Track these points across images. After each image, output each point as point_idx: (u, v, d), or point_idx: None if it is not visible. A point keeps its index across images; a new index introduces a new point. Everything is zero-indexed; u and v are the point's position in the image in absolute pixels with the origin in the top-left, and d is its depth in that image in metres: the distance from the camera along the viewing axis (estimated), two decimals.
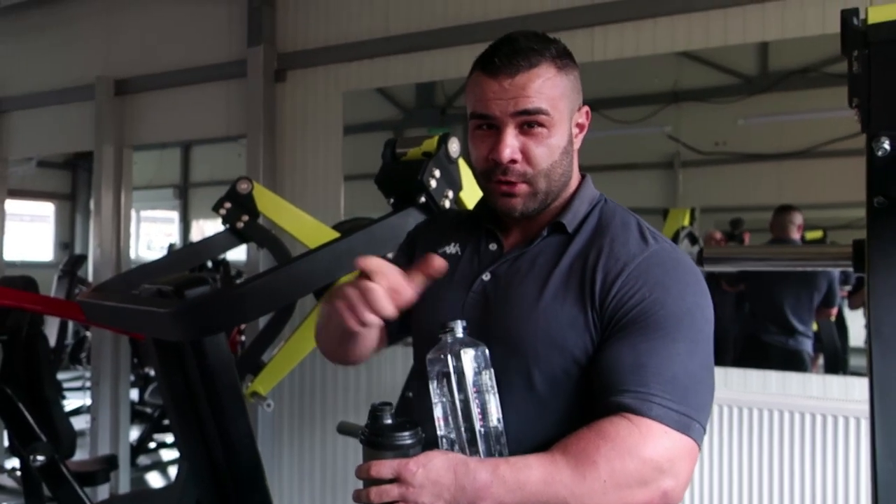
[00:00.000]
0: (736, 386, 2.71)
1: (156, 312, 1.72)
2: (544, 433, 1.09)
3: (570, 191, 1.21)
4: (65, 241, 8.69)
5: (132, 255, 4.56)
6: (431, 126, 3.58)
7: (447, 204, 1.88)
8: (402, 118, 3.73)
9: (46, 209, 8.63)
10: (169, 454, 5.37)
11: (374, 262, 1.06)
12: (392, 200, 1.97)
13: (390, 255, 1.42)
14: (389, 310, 1.04)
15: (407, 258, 1.34)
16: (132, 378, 4.79)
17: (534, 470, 0.99)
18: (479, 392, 1.04)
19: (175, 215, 7.81)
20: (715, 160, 3.03)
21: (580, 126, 1.20)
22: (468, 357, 1.04)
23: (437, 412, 1.05)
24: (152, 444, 5.43)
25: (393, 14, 3.45)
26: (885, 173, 1.02)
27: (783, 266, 1.95)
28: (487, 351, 1.06)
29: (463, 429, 1.04)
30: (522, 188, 1.15)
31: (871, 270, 1.10)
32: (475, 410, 1.04)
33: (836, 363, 2.96)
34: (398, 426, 1.03)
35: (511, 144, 1.12)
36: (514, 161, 1.13)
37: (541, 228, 1.19)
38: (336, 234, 2.46)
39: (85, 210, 8.50)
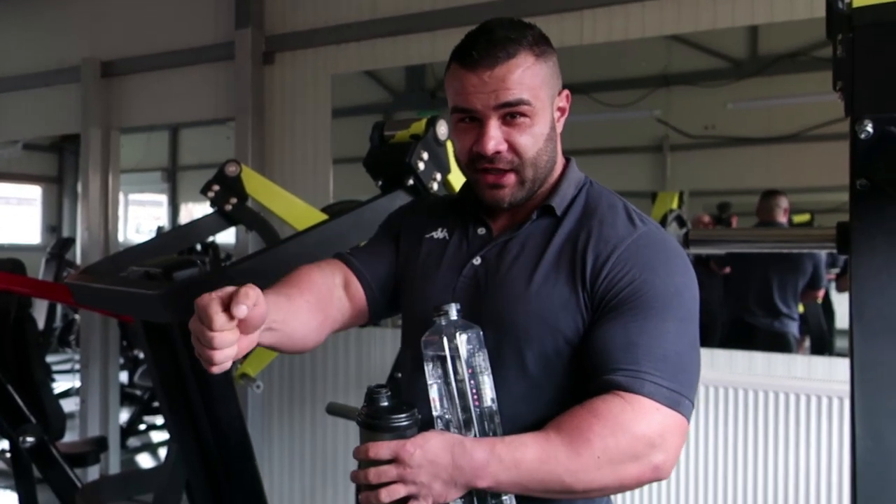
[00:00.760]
0: (722, 367, 2.74)
1: (144, 294, 1.72)
2: (537, 412, 1.10)
3: (555, 174, 1.23)
4: (52, 224, 8.63)
5: (120, 238, 4.54)
6: (421, 109, 3.57)
7: (435, 186, 1.89)
8: (391, 101, 3.72)
9: (33, 192, 8.56)
10: (158, 436, 5.38)
11: (202, 301, 0.96)
12: (380, 183, 1.97)
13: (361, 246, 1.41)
14: (229, 351, 0.96)
15: (390, 241, 1.33)
16: (121, 360, 4.79)
17: (529, 448, 1.01)
18: (474, 373, 1.06)
19: (163, 198, 7.76)
20: (704, 144, 3.04)
21: (561, 110, 1.21)
22: (463, 339, 1.05)
23: (433, 393, 1.06)
24: (142, 426, 5.44)
25: None
26: (868, 156, 1.03)
27: (768, 248, 1.97)
28: (481, 333, 1.07)
29: (458, 409, 1.05)
30: (510, 178, 1.16)
31: (854, 252, 1.11)
32: (470, 391, 1.05)
33: (822, 345, 2.99)
34: (395, 408, 1.04)
35: (494, 136, 1.13)
36: (498, 152, 1.14)
37: (529, 212, 1.20)
38: (325, 217, 2.46)
39: (72, 193, 8.44)
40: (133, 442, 5.25)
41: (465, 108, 1.14)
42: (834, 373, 2.60)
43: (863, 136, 1.01)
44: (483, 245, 1.22)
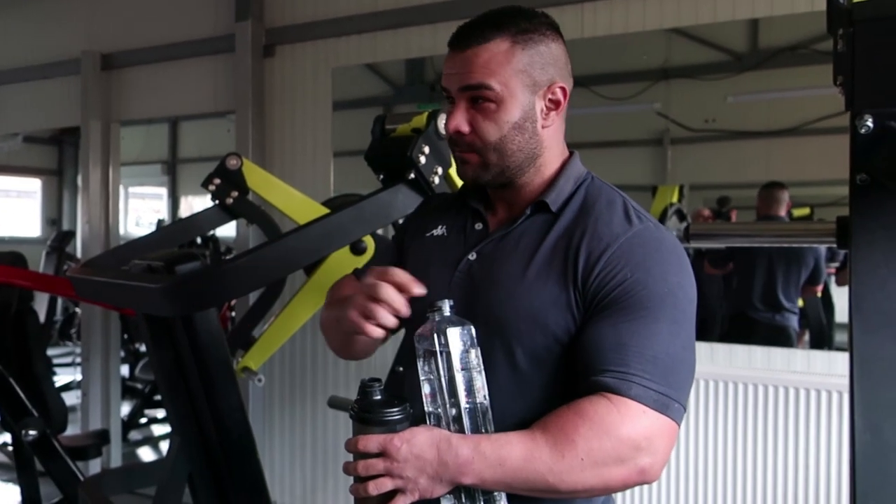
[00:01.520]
0: (721, 361, 2.74)
1: (147, 288, 1.73)
2: (527, 410, 1.10)
3: (551, 168, 1.21)
4: (52, 217, 8.63)
5: (121, 231, 4.54)
6: (421, 102, 3.57)
7: (436, 180, 1.89)
8: (392, 94, 3.72)
9: (33, 185, 8.56)
10: (159, 429, 5.39)
11: (377, 270, 1.11)
12: (381, 177, 1.98)
13: (380, 231, 1.43)
14: (404, 309, 1.08)
15: (397, 252, 1.36)
16: (122, 354, 4.79)
17: (514, 447, 1.01)
18: (466, 370, 1.05)
19: (163, 191, 7.77)
20: (704, 137, 3.03)
21: (554, 103, 1.18)
22: (455, 335, 1.05)
23: (425, 389, 1.06)
24: (143, 420, 5.45)
25: None
26: (868, 151, 1.03)
27: (769, 242, 1.97)
28: (474, 330, 1.07)
29: (449, 406, 1.05)
30: (472, 157, 1.18)
31: (854, 247, 1.12)
32: (461, 388, 1.05)
33: (822, 339, 2.99)
34: (386, 402, 1.05)
35: (457, 118, 1.15)
36: (461, 133, 1.16)
37: (524, 207, 1.20)
38: (326, 211, 2.47)
39: (72, 186, 8.44)
40: (134, 435, 5.26)
41: (443, 86, 1.18)
42: (833, 367, 2.60)
43: (863, 130, 1.01)
44: (479, 240, 1.21)
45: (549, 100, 1.17)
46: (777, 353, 2.71)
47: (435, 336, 1.05)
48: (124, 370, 5.10)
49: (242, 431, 2.09)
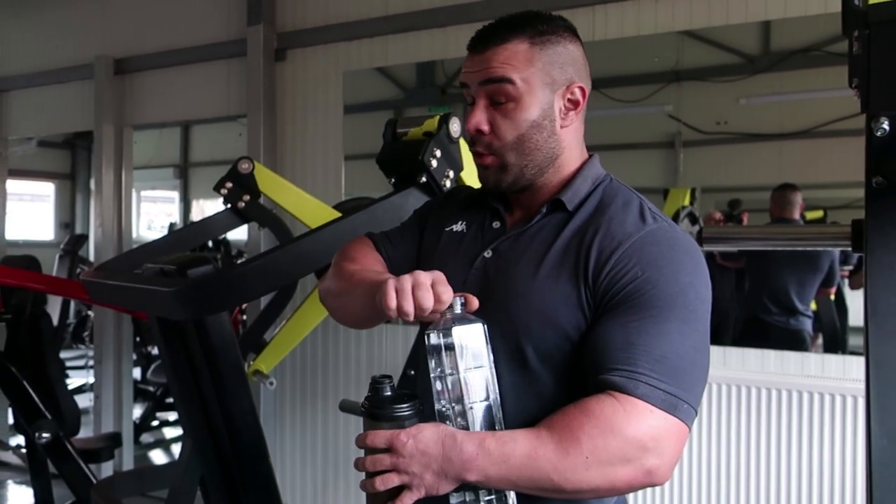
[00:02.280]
0: (734, 365, 2.73)
1: (160, 291, 1.73)
2: (538, 408, 1.10)
3: (569, 169, 1.22)
4: (65, 221, 8.69)
5: (133, 234, 4.56)
6: (432, 106, 3.57)
7: (448, 184, 1.89)
8: (402, 98, 3.72)
9: (47, 189, 8.62)
10: (171, 432, 5.41)
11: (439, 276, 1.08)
12: (393, 180, 1.98)
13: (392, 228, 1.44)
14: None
15: (417, 232, 1.36)
16: (134, 356, 4.82)
17: (519, 444, 1.01)
18: (477, 367, 1.05)
19: (175, 195, 7.80)
20: (716, 140, 3.02)
21: (573, 103, 1.19)
22: (465, 333, 1.05)
23: (436, 387, 1.06)
24: (155, 422, 5.47)
25: None
26: (884, 154, 1.02)
27: (782, 246, 1.96)
28: (485, 326, 1.07)
29: (459, 403, 1.05)
30: (491, 160, 1.19)
31: (869, 250, 1.11)
32: (472, 386, 1.05)
33: (836, 342, 2.97)
34: (397, 398, 1.06)
35: (477, 116, 1.17)
36: (481, 132, 1.17)
37: (541, 206, 1.20)
38: (337, 214, 2.47)
39: (85, 190, 8.49)
40: (146, 438, 5.29)
41: (462, 82, 1.20)
42: (847, 371, 2.58)
43: (879, 133, 1.00)
44: (496, 238, 1.22)
45: (568, 99, 1.19)
46: (791, 357, 2.69)
47: (446, 333, 1.05)
48: (136, 373, 5.12)
49: (254, 434, 2.10)
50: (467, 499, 1.05)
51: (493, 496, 1.05)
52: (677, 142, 3.05)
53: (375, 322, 1.27)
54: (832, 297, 2.99)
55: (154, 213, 8.21)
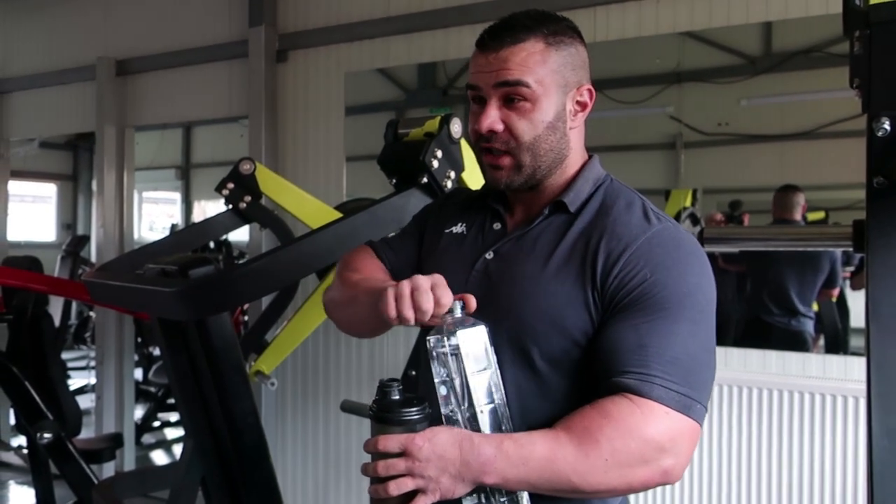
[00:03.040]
0: (736, 365, 2.73)
1: (161, 292, 1.74)
2: (547, 410, 1.10)
3: (572, 170, 1.22)
4: (67, 222, 8.70)
5: (135, 235, 4.57)
6: (433, 107, 3.57)
7: (449, 184, 1.89)
8: (403, 99, 3.72)
9: (48, 190, 8.62)
10: (172, 432, 5.42)
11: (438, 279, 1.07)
12: (394, 181, 1.98)
13: (392, 234, 1.43)
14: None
15: (417, 236, 1.35)
16: (136, 357, 4.82)
17: (538, 446, 1.01)
18: (481, 370, 1.05)
19: (177, 196, 7.81)
20: (717, 141, 3.02)
21: (581, 104, 1.19)
22: (468, 337, 1.05)
23: (441, 391, 1.06)
24: (156, 423, 5.47)
25: None
26: (886, 154, 1.02)
27: (784, 246, 1.96)
28: (487, 329, 1.07)
29: (465, 406, 1.05)
30: (506, 160, 1.17)
31: (871, 251, 1.11)
32: (477, 389, 1.05)
33: (837, 343, 2.97)
34: (406, 402, 1.05)
35: (491, 115, 1.15)
36: (494, 132, 1.15)
37: (542, 207, 1.20)
38: (339, 215, 2.47)
39: (87, 191, 8.50)
40: (148, 438, 5.29)
41: (471, 84, 1.17)
42: (849, 372, 2.58)
43: (880, 133, 1.00)
44: (497, 240, 1.22)
45: (577, 101, 1.19)
46: (792, 358, 2.68)
47: (448, 338, 1.04)
48: (138, 374, 5.12)
49: (255, 435, 2.10)
50: (482, 500, 1.04)
51: (505, 497, 1.05)
52: (678, 143, 3.05)
53: (382, 330, 1.27)
54: (834, 298, 2.99)
55: (156, 214, 8.22)
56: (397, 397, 1.05)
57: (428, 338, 1.07)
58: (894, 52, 0.99)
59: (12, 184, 5.21)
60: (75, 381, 5.90)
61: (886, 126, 0.99)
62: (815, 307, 3.01)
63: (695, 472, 2.74)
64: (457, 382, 1.04)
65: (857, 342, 2.85)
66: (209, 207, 7.32)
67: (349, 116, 3.61)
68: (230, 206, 2.62)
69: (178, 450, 5.07)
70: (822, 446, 2.57)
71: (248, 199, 2.59)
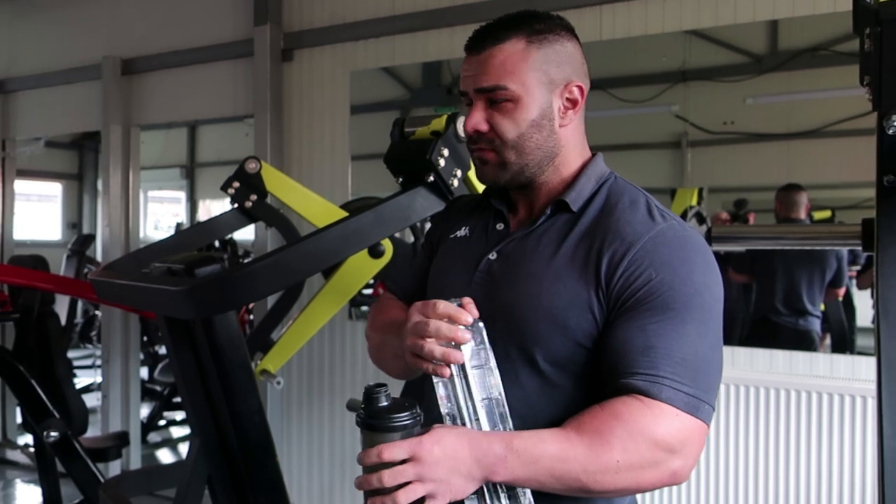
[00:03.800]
0: (742, 365, 2.72)
1: (168, 291, 1.73)
2: (553, 411, 1.10)
3: (570, 168, 1.21)
4: (72, 221, 8.70)
5: (140, 234, 4.57)
6: (437, 105, 3.57)
7: (456, 183, 1.88)
8: (408, 98, 3.72)
9: (54, 189, 8.63)
10: (178, 431, 5.43)
11: (421, 305, 1.09)
12: (401, 180, 1.97)
13: (397, 235, 1.45)
14: (463, 337, 1.05)
15: (429, 251, 1.37)
16: (142, 356, 4.83)
17: (548, 445, 1.01)
18: (477, 367, 1.05)
19: (182, 195, 7.82)
20: (723, 140, 3.01)
21: (571, 101, 1.19)
22: (465, 335, 1.05)
23: (439, 391, 1.05)
24: (162, 422, 5.48)
25: None
26: None
27: (792, 245, 1.95)
28: (483, 327, 1.07)
29: (464, 405, 1.04)
30: (491, 156, 1.18)
31: (880, 249, 1.10)
32: (475, 386, 1.04)
33: (844, 343, 2.96)
34: (397, 406, 1.01)
35: (476, 117, 1.17)
36: (479, 132, 1.17)
37: (545, 207, 1.20)
38: (344, 214, 2.47)
39: (92, 190, 8.51)
40: (153, 437, 5.30)
41: (461, 90, 1.20)
42: (857, 371, 2.57)
43: (891, 131, 1.00)
44: (500, 240, 1.22)
45: (567, 98, 1.18)
46: (799, 358, 2.68)
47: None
48: (144, 372, 5.13)
49: (261, 433, 2.10)
50: (485, 499, 1.04)
51: (505, 494, 1.04)
52: (684, 142, 3.04)
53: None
54: (840, 297, 2.98)
55: (161, 214, 8.23)
56: (385, 403, 1.01)
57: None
58: None
59: (18, 183, 5.21)
60: (81, 380, 5.91)
61: None
62: (821, 307, 3.01)
63: (701, 471, 2.73)
64: (454, 380, 1.04)
65: (863, 342, 2.84)
66: (214, 206, 7.33)
67: (354, 115, 3.61)
68: (236, 205, 2.62)
69: (183, 448, 5.08)
70: (830, 446, 2.56)
71: (253, 197, 2.59)
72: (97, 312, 5.78)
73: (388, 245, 2.41)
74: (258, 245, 3.79)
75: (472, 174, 1.95)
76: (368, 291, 3.73)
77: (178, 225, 7.49)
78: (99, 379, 4.82)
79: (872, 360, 2.08)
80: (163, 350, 5.22)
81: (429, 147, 1.84)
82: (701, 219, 2.99)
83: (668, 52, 2.98)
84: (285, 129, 3.76)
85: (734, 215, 3.03)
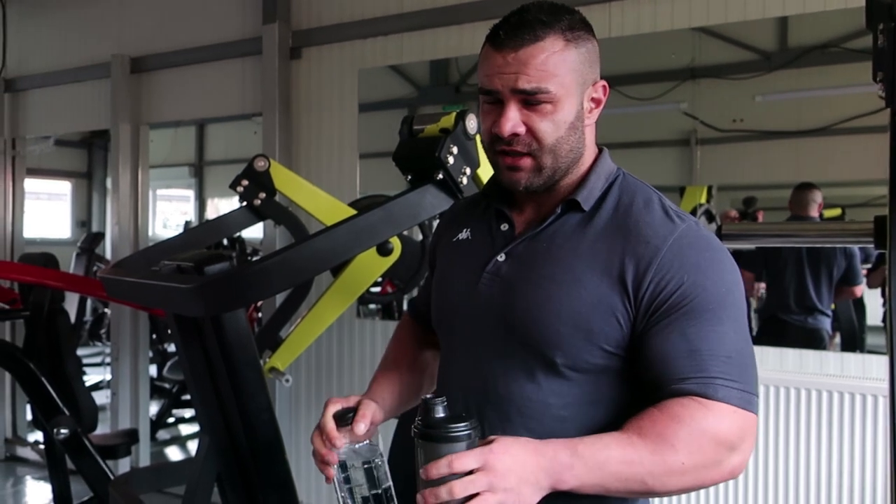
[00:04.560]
0: None
1: (178, 289, 1.74)
2: (580, 413, 1.10)
3: (584, 166, 1.18)
4: (82, 219, 8.74)
5: (149, 232, 4.59)
6: (445, 103, 3.57)
7: (465, 181, 1.87)
8: (416, 95, 3.72)
9: (64, 187, 8.67)
10: (187, 429, 5.44)
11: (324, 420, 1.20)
12: (409, 177, 1.97)
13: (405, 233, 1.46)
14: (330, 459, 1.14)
15: (433, 261, 1.37)
16: (150, 353, 4.85)
17: (613, 450, 1.00)
18: (359, 468, 1.12)
19: (190, 193, 7.83)
20: (732, 137, 3.00)
21: (596, 101, 1.16)
22: (358, 473, 1.12)
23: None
24: (171, 419, 5.50)
25: None
26: None
27: (803, 243, 1.94)
28: (374, 441, 1.15)
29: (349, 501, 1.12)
30: (527, 162, 1.13)
31: (893, 247, 1.09)
32: (355, 485, 1.12)
33: (854, 341, 2.94)
34: (456, 417, 1.00)
35: (512, 118, 1.10)
36: (516, 135, 1.11)
37: (554, 206, 1.16)
38: (353, 212, 2.47)
39: (101, 188, 8.54)
40: (162, 434, 5.32)
41: (487, 89, 1.12)
42: (867, 370, 2.56)
43: None
44: (507, 241, 1.19)
45: (593, 98, 1.15)
46: (809, 356, 2.66)
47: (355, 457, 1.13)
48: (153, 370, 5.15)
49: (270, 431, 2.10)
50: None
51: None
52: (693, 139, 3.03)
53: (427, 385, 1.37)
54: (859, 295, 2.96)
55: (169, 212, 8.25)
56: (444, 414, 1.00)
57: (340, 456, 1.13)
58: None
59: (28, 181, 5.24)
60: (90, 378, 5.93)
61: None
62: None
63: None
64: (335, 484, 1.12)
65: (873, 340, 2.83)
66: (223, 205, 7.34)
67: (362, 113, 3.61)
68: (244, 203, 2.62)
69: (192, 446, 5.09)
70: (840, 445, 2.55)
71: (262, 195, 2.60)
72: (106, 310, 5.81)
73: (396, 243, 2.41)
74: (267, 243, 3.80)
75: (480, 172, 1.95)
76: (377, 289, 3.73)
77: (187, 223, 7.51)
78: (108, 376, 4.84)
79: (883, 359, 2.07)
80: (172, 348, 5.23)
81: (438, 144, 1.83)
82: (710, 217, 2.98)
83: (677, 49, 2.97)
84: (294, 127, 3.76)
85: (743, 213, 3.02)
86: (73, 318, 5.07)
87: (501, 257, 1.17)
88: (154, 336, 5.13)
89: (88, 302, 6.08)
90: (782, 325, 3.04)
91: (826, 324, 2.98)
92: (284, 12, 3.72)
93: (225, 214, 2.72)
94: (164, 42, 4.24)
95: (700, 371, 1.03)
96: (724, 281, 1.08)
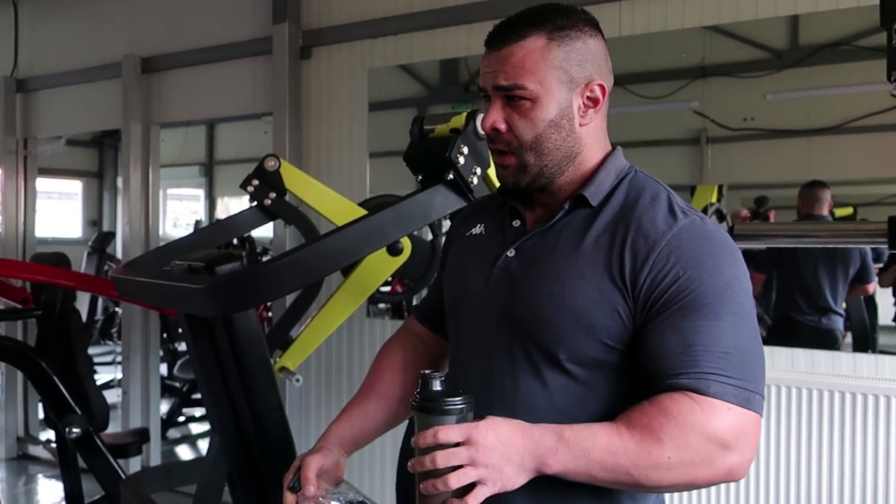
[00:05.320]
0: None
1: (189, 288, 1.74)
2: (582, 410, 1.09)
3: (590, 164, 1.18)
4: (93, 219, 8.79)
5: (160, 232, 4.61)
6: (455, 103, 3.57)
7: (475, 181, 1.87)
8: (425, 95, 3.72)
9: (75, 187, 8.72)
10: (198, 427, 5.46)
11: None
12: (420, 177, 1.97)
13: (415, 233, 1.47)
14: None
15: (445, 257, 1.38)
16: (161, 353, 4.87)
17: (599, 439, 1.00)
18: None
19: (201, 193, 7.87)
20: (743, 136, 2.99)
21: (593, 100, 1.16)
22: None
23: None
24: (182, 418, 5.52)
25: None
26: None
27: (816, 243, 1.93)
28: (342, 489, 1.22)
29: None
30: (511, 160, 1.16)
31: None
32: None
33: (866, 341, 2.93)
34: (451, 391, 1.03)
35: (493, 115, 1.14)
36: (497, 131, 1.15)
37: (563, 203, 1.17)
38: (363, 212, 2.47)
39: (112, 188, 8.58)
40: (173, 433, 5.34)
41: (479, 87, 1.17)
42: (880, 370, 2.54)
43: None
44: (518, 237, 1.20)
45: (588, 97, 1.15)
46: (821, 357, 2.65)
47: None
48: (164, 369, 5.17)
49: (281, 431, 2.10)
50: None
51: None
52: (704, 138, 3.02)
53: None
54: (871, 292, 2.94)
55: (180, 211, 8.28)
56: (440, 388, 1.04)
57: None
58: None
59: (39, 181, 5.27)
60: (101, 377, 5.97)
61: None
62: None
63: None
64: None
65: (884, 340, 2.81)
66: (232, 204, 7.37)
67: (372, 113, 3.61)
68: (255, 203, 2.63)
69: (203, 445, 5.11)
70: (853, 445, 2.54)
71: (272, 195, 2.60)
72: (117, 309, 5.84)
73: (406, 243, 2.41)
74: (276, 243, 3.81)
75: (491, 171, 1.94)
76: (386, 289, 3.73)
77: (197, 222, 7.54)
78: (119, 375, 4.86)
79: None
80: (182, 347, 5.25)
81: (448, 145, 1.83)
82: (721, 216, 2.97)
83: (687, 48, 2.96)
84: (304, 126, 3.77)
85: (754, 212, 3.01)
86: (84, 317, 5.09)
87: (511, 253, 1.19)
88: (165, 335, 5.15)
89: (100, 301, 6.12)
90: (794, 325, 3.02)
91: (839, 324, 2.97)
92: (294, 12, 3.73)
93: (235, 214, 2.73)
94: (175, 42, 4.25)
95: (693, 367, 1.02)
96: (721, 275, 1.06)
